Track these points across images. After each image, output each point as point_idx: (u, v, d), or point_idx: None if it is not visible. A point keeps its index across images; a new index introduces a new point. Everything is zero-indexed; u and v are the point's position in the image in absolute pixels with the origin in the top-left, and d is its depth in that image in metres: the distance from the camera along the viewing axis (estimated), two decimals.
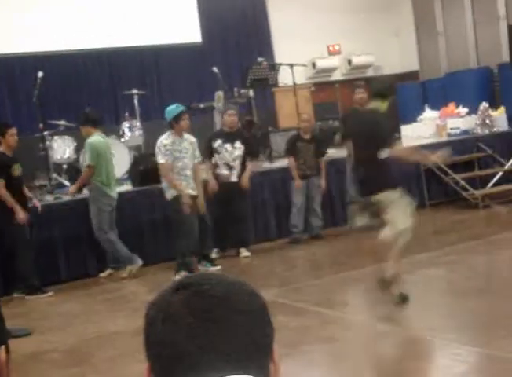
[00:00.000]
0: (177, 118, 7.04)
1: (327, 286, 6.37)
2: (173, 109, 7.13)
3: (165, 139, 7.11)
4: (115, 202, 7.69)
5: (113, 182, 7.77)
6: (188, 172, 7.18)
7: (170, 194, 7.14)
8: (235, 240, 8.10)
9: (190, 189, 7.15)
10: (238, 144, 7.91)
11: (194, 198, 7.15)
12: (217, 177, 7.85)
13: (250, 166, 8.05)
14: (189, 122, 7.19)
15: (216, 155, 7.87)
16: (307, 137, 8.56)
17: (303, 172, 8.44)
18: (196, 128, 7.80)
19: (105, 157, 7.66)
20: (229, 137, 7.89)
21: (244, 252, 8.00)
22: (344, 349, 4.74)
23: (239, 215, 8.04)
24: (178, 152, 7.11)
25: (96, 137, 7.66)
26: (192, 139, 7.31)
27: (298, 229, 8.47)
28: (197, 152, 7.32)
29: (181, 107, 7.17)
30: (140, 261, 7.61)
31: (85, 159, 7.65)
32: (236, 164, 7.89)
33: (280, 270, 7.30)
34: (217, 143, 7.86)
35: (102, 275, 7.76)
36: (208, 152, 7.92)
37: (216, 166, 7.89)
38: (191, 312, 1.01)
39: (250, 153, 8.16)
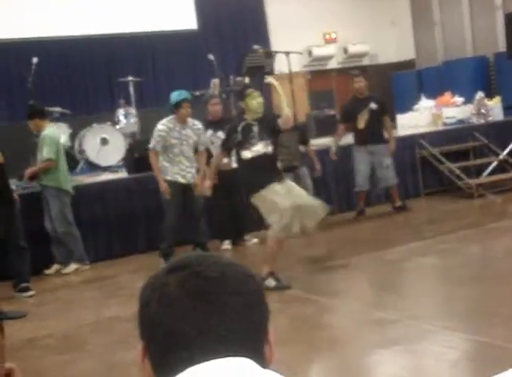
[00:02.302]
0: (177, 105, 7.04)
1: (324, 273, 6.38)
2: (175, 95, 7.11)
3: (161, 124, 7.11)
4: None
5: (68, 176, 7.68)
6: (184, 159, 7.16)
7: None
8: (240, 228, 8.08)
9: (180, 176, 7.14)
10: None
11: (182, 185, 7.13)
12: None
13: None
14: (190, 110, 7.14)
15: (211, 146, 7.81)
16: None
17: (288, 163, 8.24)
18: (192, 115, 7.77)
19: (61, 149, 7.55)
20: (217, 125, 7.84)
21: (254, 239, 8.01)
22: (339, 336, 4.76)
23: (242, 202, 8.00)
24: (175, 139, 7.09)
25: (51, 130, 7.53)
26: (198, 125, 7.29)
27: None
28: (202, 139, 7.30)
29: (184, 95, 7.13)
30: (87, 263, 7.57)
31: (42, 153, 7.32)
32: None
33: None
34: (209, 133, 7.81)
35: (48, 272, 7.55)
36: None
37: (212, 156, 7.81)
38: (186, 293, 1.01)
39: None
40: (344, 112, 8.87)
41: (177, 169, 7.14)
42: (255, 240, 7.99)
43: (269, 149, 6.02)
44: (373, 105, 8.59)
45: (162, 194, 7.16)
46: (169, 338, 1.01)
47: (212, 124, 7.87)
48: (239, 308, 1.02)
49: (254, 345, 1.04)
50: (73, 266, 7.50)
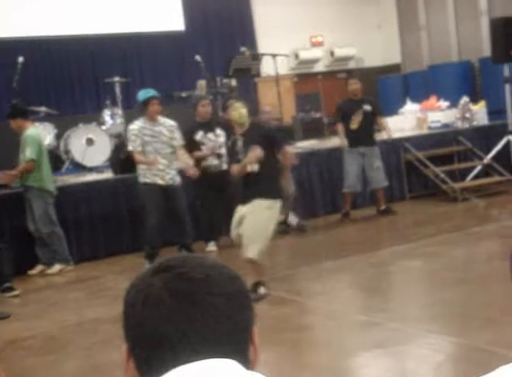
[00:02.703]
0: (145, 103, 7.02)
1: (309, 275, 6.40)
2: (142, 94, 7.11)
3: (132, 124, 7.14)
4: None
5: (51, 176, 7.62)
6: (161, 158, 7.07)
7: (140, 180, 7.15)
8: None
9: (158, 178, 7.09)
10: (218, 131, 7.85)
11: (161, 187, 7.10)
12: (207, 168, 7.71)
13: None
14: (158, 107, 7.10)
15: (202, 147, 7.79)
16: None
17: None
18: (178, 117, 7.75)
19: (44, 150, 7.51)
20: (207, 126, 7.83)
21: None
22: (322, 338, 4.77)
23: (231, 203, 7.97)
24: (149, 137, 7.06)
25: (34, 130, 7.48)
26: (170, 122, 7.25)
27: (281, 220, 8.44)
28: (176, 135, 7.24)
29: (151, 93, 7.11)
30: (71, 263, 7.54)
31: (24, 154, 7.25)
32: (223, 151, 7.83)
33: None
34: (199, 135, 7.77)
35: (32, 272, 7.50)
36: (190, 146, 7.84)
37: (202, 158, 7.82)
38: (171, 295, 1.01)
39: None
40: (339, 112, 8.86)
41: (155, 170, 7.08)
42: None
43: (254, 167, 5.63)
44: (367, 107, 8.64)
45: (140, 193, 7.11)
46: (153, 339, 1.01)
47: (202, 125, 7.84)
48: (223, 309, 1.02)
49: (238, 347, 1.04)
50: (57, 267, 7.47)
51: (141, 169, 7.13)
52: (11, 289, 6.69)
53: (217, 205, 7.85)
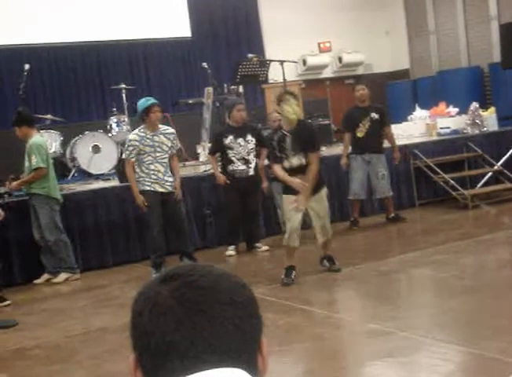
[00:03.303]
0: (146, 110, 6.95)
1: (318, 284, 6.33)
2: (143, 102, 7.05)
3: (132, 134, 7.10)
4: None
5: (57, 183, 7.57)
6: (160, 166, 7.05)
7: (139, 187, 7.10)
8: (252, 235, 8.05)
9: (158, 185, 7.05)
10: (249, 137, 7.81)
11: (161, 194, 7.05)
12: (233, 173, 7.73)
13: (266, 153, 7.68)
14: (160, 114, 7.07)
15: (230, 152, 7.72)
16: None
17: None
18: (185, 123, 7.72)
19: (49, 157, 7.48)
20: (239, 131, 7.77)
21: (263, 246, 7.97)
22: (332, 347, 4.71)
23: (255, 209, 8.01)
24: (149, 147, 7.01)
25: (39, 138, 7.44)
26: (170, 130, 7.21)
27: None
28: (176, 143, 7.20)
29: (151, 100, 7.05)
30: (78, 272, 7.49)
31: (30, 162, 7.24)
32: (251, 158, 7.79)
33: (270, 267, 7.26)
34: (229, 139, 7.72)
35: (38, 281, 7.45)
36: (216, 148, 7.83)
37: (230, 162, 7.75)
38: (179, 303, 1.00)
39: (262, 143, 7.76)
40: (347, 120, 8.78)
41: (155, 177, 7.04)
42: (265, 248, 7.94)
43: (303, 161, 6.05)
44: (374, 115, 8.55)
45: (138, 207, 7.10)
46: (161, 349, 1.00)
47: (233, 130, 7.79)
48: (231, 318, 1.01)
49: (246, 356, 1.02)
50: (63, 276, 7.43)
51: (140, 176, 7.07)
52: (2, 299, 6.64)
53: (241, 210, 7.84)
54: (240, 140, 7.74)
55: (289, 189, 6.11)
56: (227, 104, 8.74)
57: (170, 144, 7.09)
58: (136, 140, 6.97)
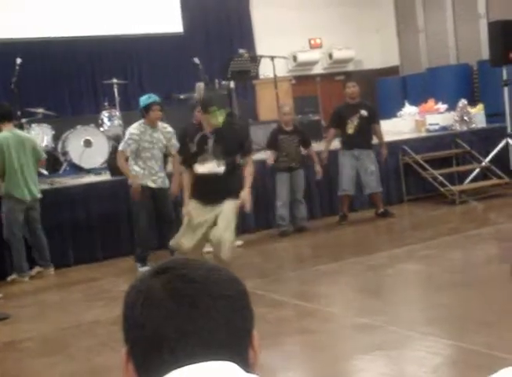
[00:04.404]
0: (146, 108, 6.99)
1: (307, 278, 6.39)
2: (144, 99, 7.07)
3: (133, 128, 7.10)
4: (26, 204, 7.25)
5: (27, 182, 7.24)
6: (154, 163, 7.12)
7: (129, 182, 7.16)
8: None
9: (150, 181, 7.11)
10: None
11: (152, 190, 7.10)
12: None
13: None
14: (160, 113, 7.10)
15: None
16: (289, 128, 8.54)
17: (286, 164, 8.44)
18: (175, 119, 7.75)
19: (12, 155, 7.14)
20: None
21: (238, 241, 8.00)
22: (321, 341, 4.77)
23: None
24: (148, 143, 7.06)
25: (3, 134, 7.18)
26: (168, 129, 7.25)
27: (285, 222, 8.47)
28: (173, 142, 7.22)
29: (153, 98, 7.08)
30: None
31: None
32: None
33: (259, 262, 7.32)
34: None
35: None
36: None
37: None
38: (171, 296, 1.01)
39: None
40: (334, 117, 8.84)
41: (147, 173, 7.10)
42: (239, 243, 7.99)
43: (221, 169, 5.86)
44: (364, 112, 8.61)
45: (132, 195, 7.12)
46: (152, 341, 1.00)
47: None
48: (223, 311, 1.02)
49: (238, 349, 1.03)
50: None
51: (133, 170, 7.11)
52: None
53: None
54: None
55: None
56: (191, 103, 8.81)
57: (166, 143, 7.15)
58: (137, 135, 7.01)
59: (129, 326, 1.04)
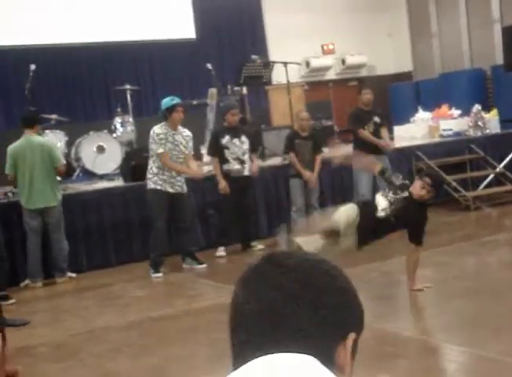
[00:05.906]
0: (170, 109, 7.05)
1: None
2: (167, 101, 7.14)
3: (158, 128, 7.12)
4: (40, 211, 7.24)
5: (30, 189, 7.21)
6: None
7: (149, 186, 7.17)
8: (247, 235, 8.11)
9: (169, 186, 7.13)
10: (244, 138, 7.96)
11: (170, 195, 7.13)
12: (228, 172, 7.82)
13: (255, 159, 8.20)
14: (183, 115, 7.17)
15: (226, 151, 7.84)
16: (305, 134, 8.52)
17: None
18: (188, 124, 7.77)
19: (23, 163, 7.16)
20: (234, 132, 7.91)
21: (259, 245, 8.00)
22: None
23: (250, 209, 8.15)
24: (170, 144, 7.12)
25: (18, 142, 7.25)
26: (187, 132, 7.31)
27: None
28: (190, 145, 7.29)
29: (176, 100, 7.16)
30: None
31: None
32: (246, 158, 7.91)
33: None
34: (226, 139, 7.84)
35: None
36: (214, 149, 7.91)
37: (226, 161, 7.85)
38: (273, 287, 1.02)
39: (253, 147, 8.22)
40: (356, 119, 8.71)
41: (167, 176, 7.13)
42: (260, 247, 7.97)
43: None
44: (377, 119, 8.61)
45: (148, 199, 7.20)
46: (243, 331, 1.03)
47: (229, 130, 7.92)
48: (318, 306, 1.02)
49: (326, 347, 1.02)
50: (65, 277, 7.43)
51: (152, 174, 7.14)
52: (7, 297, 6.65)
53: (233, 210, 7.89)
54: (236, 140, 7.88)
55: None
56: (222, 107, 8.89)
57: (185, 145, 7.21)
58: (162, 134, 7.06)
59: (230, 317, 1.06)
